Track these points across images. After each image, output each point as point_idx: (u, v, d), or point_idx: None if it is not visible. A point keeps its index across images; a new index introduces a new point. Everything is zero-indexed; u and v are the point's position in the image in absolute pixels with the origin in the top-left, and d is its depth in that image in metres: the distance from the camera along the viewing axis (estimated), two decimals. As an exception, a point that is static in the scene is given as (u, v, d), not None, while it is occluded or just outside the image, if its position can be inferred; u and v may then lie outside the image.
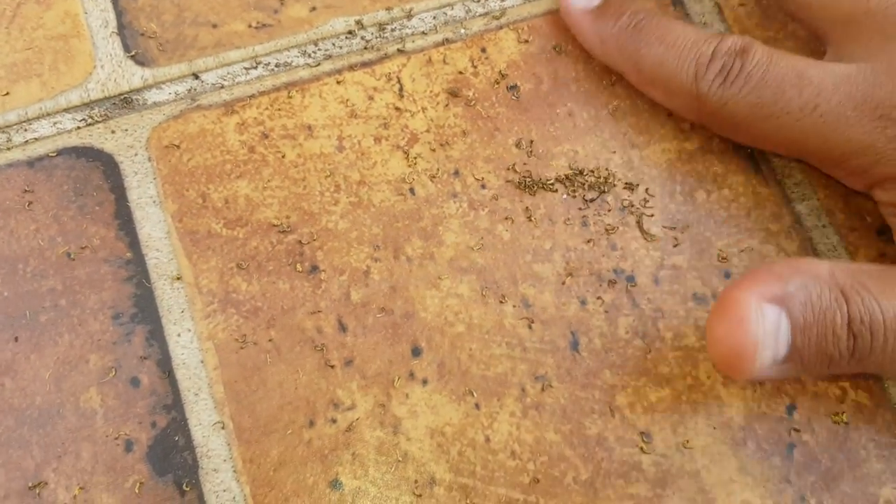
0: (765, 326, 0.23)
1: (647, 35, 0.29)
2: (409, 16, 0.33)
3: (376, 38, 0.33)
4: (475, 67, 0.32)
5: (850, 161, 0.27)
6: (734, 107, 0.27)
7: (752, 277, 0.24)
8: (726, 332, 0.23)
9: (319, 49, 0.32)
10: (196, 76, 0.31)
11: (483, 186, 0.31)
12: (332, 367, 0.28)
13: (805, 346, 0.23)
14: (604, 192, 0.31)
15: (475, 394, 0.28)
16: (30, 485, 0.27)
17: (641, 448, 0.28)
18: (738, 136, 0.29)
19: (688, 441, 0.28)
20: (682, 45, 0.28)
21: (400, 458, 0.27)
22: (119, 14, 0.32)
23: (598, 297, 0.29)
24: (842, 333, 0.23)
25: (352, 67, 0.32)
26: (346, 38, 0.32)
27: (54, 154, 0.30)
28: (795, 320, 0.23)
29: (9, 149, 0.30)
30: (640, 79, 0.30)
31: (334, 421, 0.28)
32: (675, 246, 0.30)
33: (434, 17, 0.33)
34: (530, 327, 0.29)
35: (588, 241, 0.30)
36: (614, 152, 0.31)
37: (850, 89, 0.25)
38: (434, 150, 0.31)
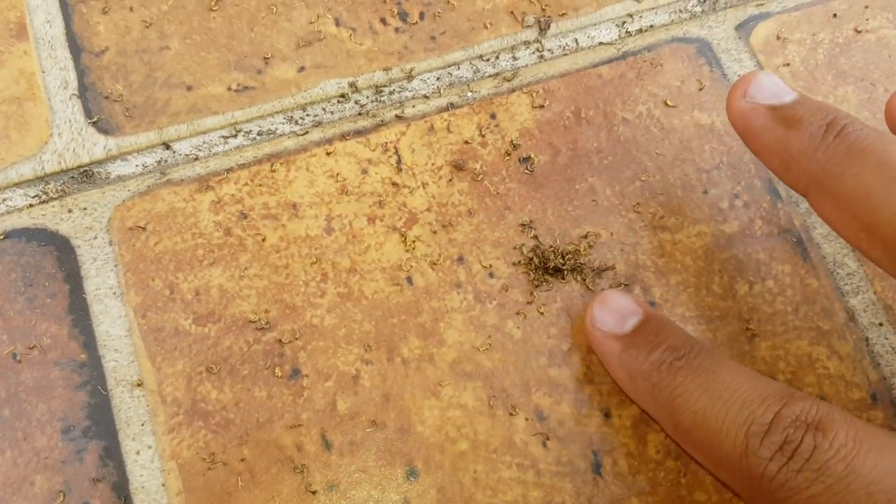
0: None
1: (686, 380, 0.22)
2: (410, 77, 0.29)
3: (372, 102, 0.29)
4: (483, 136, 0.28)
5: None
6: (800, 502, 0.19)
7: None
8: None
9: (308, 115, 0.28)
10: (167, 146, 0.28)
11: (491, 275, 0.27)
12: (314, 492, 0.24)
13: None
14: (630, 282, 0.27)
15: (480, 526, 0.24)
16: None
17: None
18: None
19: (729, 585, 0.24)
20: (730, 399, 0.21)
21: None
22: (81, 73, 0.28)
23: (624, 409, 0.25)
24: None
25: (344, 136, 0.28)
26: (339, 102, 0.29)
27: (1, 237, 0.26)
28: None
29: (-49, 229, 0.27)
30: (676, 434, 0.23)
31: (315, 559, 0.24)
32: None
33: (437, 79, 0.29)
34: (545, 445, 0.25)
35: (612, 343, 0.26)
36: (643, 236, 0.27)
37: None
38: (435, 233, 0.27)
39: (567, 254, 0.27)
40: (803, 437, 0.19)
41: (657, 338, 0.23)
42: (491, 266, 0.27)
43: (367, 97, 0.29)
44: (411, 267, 0.27)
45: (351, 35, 0.29)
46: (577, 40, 0.30)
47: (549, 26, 0.29)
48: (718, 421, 0.20)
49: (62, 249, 0.26)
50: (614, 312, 0.24)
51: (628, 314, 0.24)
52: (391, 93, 0.29)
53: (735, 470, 0.20)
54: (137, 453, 0.24)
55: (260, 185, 0.27)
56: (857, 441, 0.19)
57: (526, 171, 0.28)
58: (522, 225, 0.27)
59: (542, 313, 0.26)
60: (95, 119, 0.28)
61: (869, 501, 0.18)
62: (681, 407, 0.21)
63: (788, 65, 0.30)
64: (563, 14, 0.30)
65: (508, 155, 0.28)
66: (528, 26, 0.30)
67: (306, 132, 0.28)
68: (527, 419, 0.25)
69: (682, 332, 0.24)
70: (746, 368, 0.22)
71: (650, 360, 0.23)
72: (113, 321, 0.26)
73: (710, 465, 0.22)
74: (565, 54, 0.30)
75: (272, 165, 0.28)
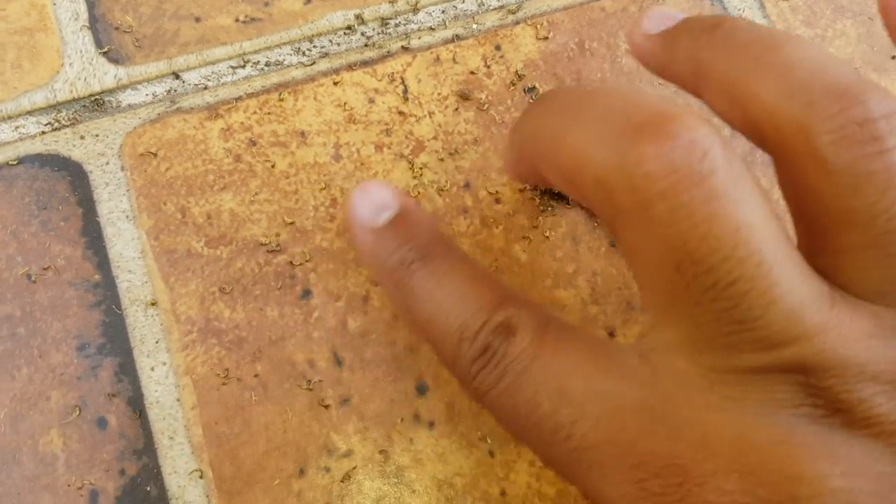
0: None
1: (420, 283, 0.21)
2: (416, 9, 0.29)
3: (378, 34, 0.29)
4: (488, 67, 0.29)
5: None
6: (491, 403, 0.20)
7: None
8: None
9: (315, 46, 0.29)
10: (176, 76, 0.28)
11: (497, 201, 0.27)
12: (326, 406, 0.25)
13: None
14: (634, 207, 0.27)
15: (489, 439, 0.25)
16: (-23, 544, 0.23)
17: (679, 502, 0.24)
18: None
19: None
20: (452, 306, 0.21)
21: (403, 514, 0.24)
22: (91, 5, 0.29)
23: (628, 328, 0.26)
24: None
25: (350, 67, 0.29)
26: (345, 34, 0.29)
27: (15, 162, 0.27)
28: None
29: (-36, 156, 0.27)
30: (415, 332, 0.24)
31: (328, 470, 0.24)
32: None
33: (443, 11, 0.29)
34: (551, 362, 0.25)
35: (616, 264, 0.27)
36: (645, 163, 0.28)
37: (613, 430, 0.18)
38: (442, 160, 0.27)
39: None
40: (498, 341, 0.20)
41: (405, 235, 0.23)
42: (497, 192, 0.27)
43: (373, 29, 0.29)
44: (419, 193, 0.27)
45: (357, -32, 0.30)
46: (580, -26, 0.30)
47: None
48: (440, 326, 0.21)
49: (75, 174, 0.27)
50: (371, 204, 0.23)
51: (383, 207, 0.23)
52: (397, 25, 0.29)
53: (454, 372, 0.21)
54: (152, 369, 0.25)
55: (268, 114, 0.28)
56: (540, 343, 0.19)
57: (531, 100, 0.28)
58: (528, 152, 0.28)
59: (547, 237, 0.27)
60: (106, 49, 0.28)
61: (533, 401, 0.19)
62: (413, 308, 0.22)
63: (788, 0, 0.31)
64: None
65: (513, 85, 0.29)
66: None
67: (313, 63, 0.29)
68: (533, 337, 0.26)
69: (434, 231, 0.23)
70: (481, 272, 0.22)
71: (393, 258, 0.22)
72: (126, 243, 0.26)
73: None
74: (569, -12, 0.30)
75: (280, 95, 0.28)
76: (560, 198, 0.27)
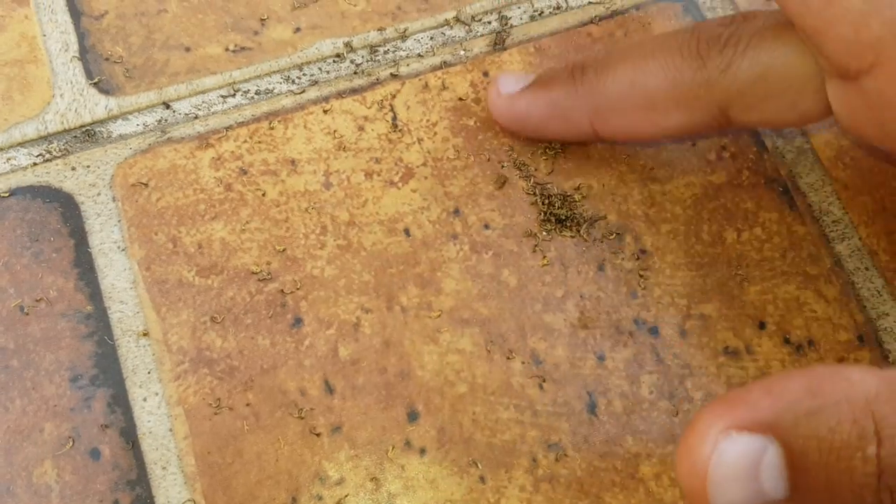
0: (724, 460, 0.17)
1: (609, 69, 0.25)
2: (404, 37, 0.30)
3: (367, 61, 0.29)
4: (477, 93, 0.29)
5: None
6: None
7: (730, 397, 0.18)
8: (684, 466, 0.18)
9: (304, 74, 0.29)
10: (167, 105, 0.28)
11: (486, 226, 0.27)
12: (318, 435, 0.25)
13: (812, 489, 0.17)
14: (621, 232, 0.27)
15: (480, 465, 0.25)
16: (-29, 577, 0.23)
17: (669, 526, 0.24)
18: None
19: (721, 517, 0.25)
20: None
21: (395, 542, 0.24)
22: (81, 36, 0.29)
23: (618, 352, 0.26)
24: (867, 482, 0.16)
25: (340, 94, 0.29)
26: (334, 61, 0.29)
27: (6, 194, 0.27)
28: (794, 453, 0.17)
29: (-43, 188, 0.27)
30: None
31: (320, 498, 0.24)
32: (702, 292, 0.27)
33: (431, 38, 0.30)
34: (541, 387, 0.26)
35: (605, 288, 0.27)
36: (633, 188, 0.28)
37: None
38: (431, 187, 0.28)
39: (567, 198, 0.27)
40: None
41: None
42: (486, 218, 0.28)
43: (363, 56, 0.29)
44: (408, 219, 0.27)
45: (346, -3, 0.30)
46: (567, 0, 0.31)
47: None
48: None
49: (66, 206, 0.27)
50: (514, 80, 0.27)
51: (524, 78, 0.27)
52: (386, 52, 0.30)
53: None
54: (144, 400, 0.25)
55: (259, 143, 0.28)
56: None
57: (519, 126, 0.29)
58: (519, 178, 0.28)
59: (537, 263, 0.27)
60: (96, 80, 0.29)
61: None
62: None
63: None
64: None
65: (501, 111, 0.29)
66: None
67: (303, 91, 0.29)
68: (523, 362, 0.26)
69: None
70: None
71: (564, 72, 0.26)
72: (118, 274, 0.26)
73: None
74: (555, 13, 0.30)
75: (270, 123, 0.28)
76: (549, 223, 0.27)
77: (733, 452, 0.17)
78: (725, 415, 0.17)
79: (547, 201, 0.27)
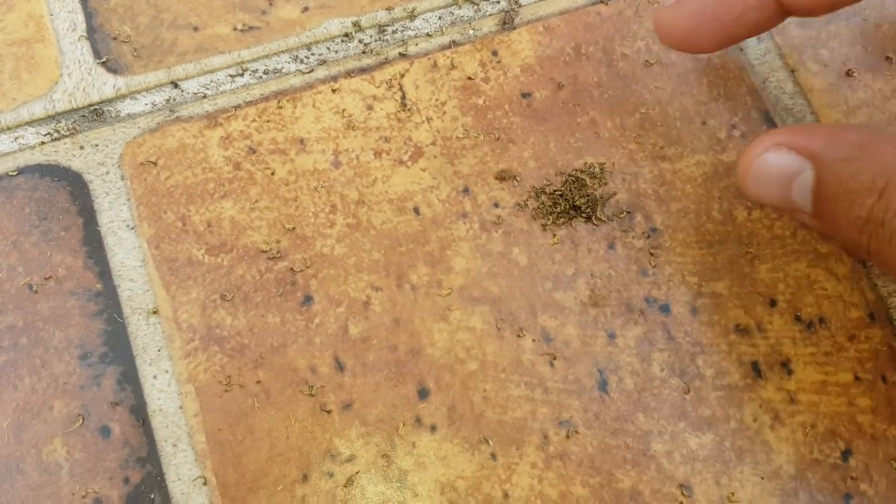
0: (766, 163, 0.23)
1: None
2: (412, 16, 0.30)
3: (376, 41, 0.29)
4: (486, 72, 0.29)
5: None
6: None
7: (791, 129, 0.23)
8: (740, 163, 0.23)
9: (313, 54, 0.29)
10: (175, 85, 0.28)
11: (496, 205, 0.27)
12: (329, 412, 0.25)
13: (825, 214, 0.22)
14: (632, 210, 0.27)
15: (491, 442, 0.25)
16: (-18, 554, 0.23)
17: (681, 502, 0.24)
18: None
19: (733, 494, 0.24)
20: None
21: (406, 519, 0.24)
22: (89, 15, 0.29)
23: (628, 330, 0.26)
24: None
25: (349, 74, 0.29)
26: (343, 41, 0.29)
27: (15, 173, 0.27)
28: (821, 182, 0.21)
29: (-36, 167, 0.27)
30: None
31: (331, 475, 0.24)
32: (713, 270, 0.27)
33: (440, 18, 0.30)
34: (552, 364, 0.25)
35: (615, 266, 0.27)
36: (643, 166, 0.28)
37: None
38: (441, 166, 0.28)
39: (573, 184, 0.27)
40: None
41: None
42: (495, 197, 0.27)
43: (371, 36, 0.29)
44: (418, 198, 0.27)
45: (354, -24, 0.30)
46: (575, -21, 0.31)
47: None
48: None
49: (75, 184, 0.27)
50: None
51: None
52: (394, 32, 0.29)
53: None
54: (154, 377, 0.25)
55: (267, 122, 0.28)
56: None
57: (528, 105, 0.29)
58: (529, 156, 0.28)
59: (547, 241, 0.27)
60: (104, 59, 0.28)
61: None
62: None
63: (782, 2, 0.31)
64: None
65: (511, 90, 0.29)
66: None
67: (311, 70, 0.29)
68: (534, 340, 0.26)
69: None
70: None
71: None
72: (127, 252, 0.26)
73: None
74: (564, -8, 0.30)
75: (279, 102, 0.28)
76: (559, 201, 0.27)
77: (775, 160, 0.22)
78: (785, 135, 0.22)
79: (559, 193, 0.27)
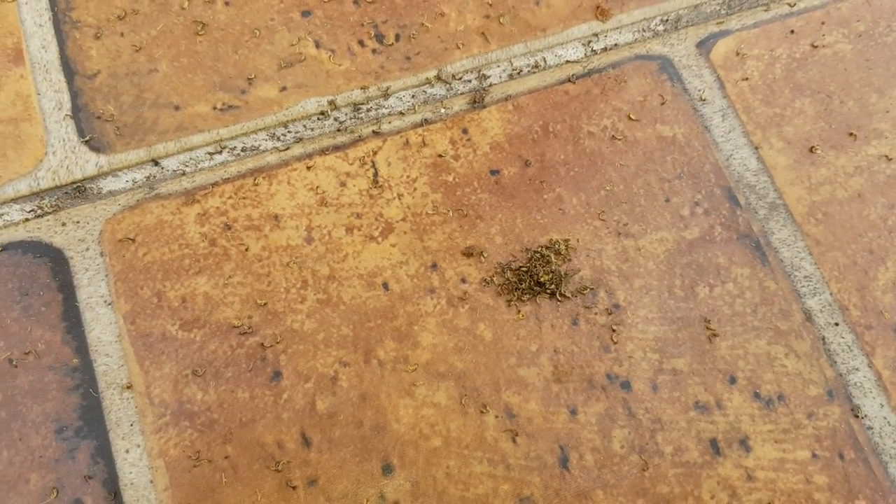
0: None
1: None
2: (386, 94, 0.31)
3: (350, 119, 0.30)
4: (456, 150, 0.30)
5: None
6: None
7: None
8: None
9: (289, 131, 0.30)
10: (155, 162, 0.29)
11: (463, 280, 0.28)
12: (294, 488, 0.25)
13: None
14: (595, 286, 0.28)
15: (452, 518, 0.25)
16: None
17: (638, 581, 0.25)
18: None
19: (690, 572, 0.25)
20: None
21: None
22: (74, 94, 0.30)
23: (590, 406, 0.27)
24: None
25: (323, 151, 0.30)
26: (319, 119, 0.30)
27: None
28: None
29: (-50, 244, 0.28)
30: None
31: (295, 550, 0.25)
32: (674, 346, 0.27)
33: (413, 96, 0.31)
34: (514, 441, 0.26)
35: (578, 343, 0.27)
36: (607, 243, 0.29)
37: None
38: (410, 242, 0.28)
39: (538, 260, 0.28)
40: None
41: None
42: (463, 273, 0.28)
43: (346, 114, 0.30)
44: (387, 273, 0.28)
45: (330, 56, 0.31)
46: (545, 59, 0.31)
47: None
48: None
49: (56, 261, 0.28)
50: None
51: None
52: (368, 110, 0.31)
53: None
54: (127, 452, 0.26)
55: (243, 198, 0.29)
56: None
57: (497, 182, 0.30)
58: (496, 233, 0.29)
59: (512, 317, 0.28)
60: (88, 138, 0.30)
61: None
62: None
63: (747, 79, 0.32)
64: (531, 34, 0.32)
65: (480, 167, 0.30)
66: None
67: (288, 148, 0.30)
68: (497, 416, 0.26)
69: None
70: None
71: None
72: (104, 328, 0.27)
73: None
74: (533, 72, 0.31)
75: (255, 179, 0.29)
76: (524, 278, 0.28)
77: None
78: None
79: (525, 269, 0.28)
